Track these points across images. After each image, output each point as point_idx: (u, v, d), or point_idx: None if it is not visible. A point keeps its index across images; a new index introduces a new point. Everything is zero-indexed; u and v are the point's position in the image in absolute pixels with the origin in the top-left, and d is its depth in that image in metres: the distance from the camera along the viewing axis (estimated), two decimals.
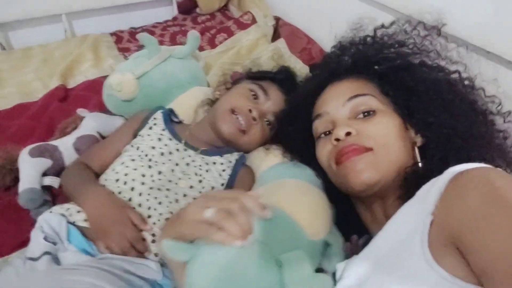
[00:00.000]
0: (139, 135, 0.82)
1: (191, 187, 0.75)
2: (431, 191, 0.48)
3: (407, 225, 0.49)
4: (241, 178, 0.82)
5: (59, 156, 0.85)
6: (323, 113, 0.70)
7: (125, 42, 1.36)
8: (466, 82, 0.72)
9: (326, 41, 1.37)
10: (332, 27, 1.38)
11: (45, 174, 0.82)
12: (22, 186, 0.77)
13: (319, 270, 0.66)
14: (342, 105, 0.67)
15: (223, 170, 0.81)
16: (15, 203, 0.76)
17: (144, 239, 0.67)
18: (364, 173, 0.61)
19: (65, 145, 0.87)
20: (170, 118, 0.87)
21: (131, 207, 0.69)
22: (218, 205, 0.49)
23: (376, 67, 0.72)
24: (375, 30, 0.79)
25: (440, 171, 0.51)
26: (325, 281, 0.51)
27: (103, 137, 0.93)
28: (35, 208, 0.77)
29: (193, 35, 1.01)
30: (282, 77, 0.90)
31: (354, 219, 0.74)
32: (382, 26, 0.78)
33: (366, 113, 0.66)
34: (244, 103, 0.81)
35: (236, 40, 1.35)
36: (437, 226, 0.45)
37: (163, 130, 0.83)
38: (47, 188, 0.81)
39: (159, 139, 0.80)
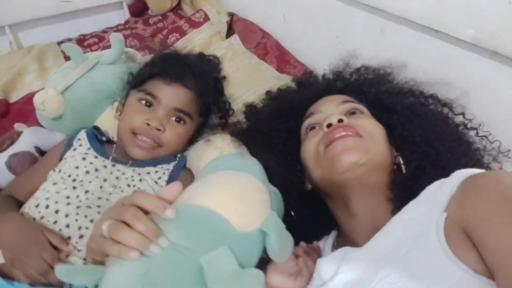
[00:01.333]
0: (65, 158, 0.77)
1: None
2: (441, 191, 0.51)
3: (416, 224, 0.51)
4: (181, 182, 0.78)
5: None
6: (317, 111, 0.75)
7: None
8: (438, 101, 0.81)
9: (281, 33, 1.34)
10: (286, 19, 1.36)
11: None
12: None
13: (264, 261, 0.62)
14: (336, 106, 0.74)
15: (159, 178, 0.77)
16: None
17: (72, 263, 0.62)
18: (353, 151, 0.64)
19: None
20: (95, 136, 0.81)
21: (47, 228, 0.64)
22: (114, 215, 0.46)
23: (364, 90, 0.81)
24: (359, 68, 0.89)
25: (417, 177, 0.59)
26: (253, 276, 0.49)
27: (42, 152, 0.89)
28: None
29: (115, 37, 0.93)
30: (159, 69, 0.80)
31: (318, 217, 0.76)
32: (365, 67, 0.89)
33: (358, 112, 0.72)
34: (138, 119, 0.75)
35: (188, 39, 1.31)
36: (451, 221, 0.47)
37: (88, 149, 0.77)
38: None
39: (83, 159, 0.75)
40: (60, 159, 0.78)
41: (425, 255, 0.47)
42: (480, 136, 0.78)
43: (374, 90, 0.81)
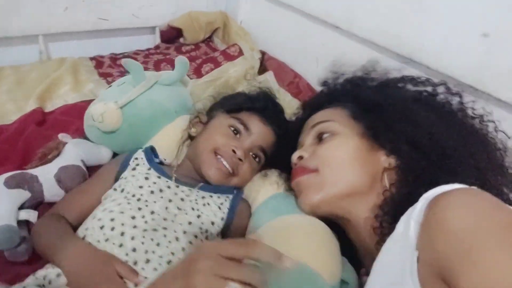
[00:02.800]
0: (122, 178, 0.74)
1: (189, 223, 0.69)
2: (410, 223, 0.45)
3: (394, 266, 0.46)
4: (240, 212, 0.77)
5: (39, 188, 0.76)
6: (298, 143, 0.76)
7: (106, 67, 1.29)
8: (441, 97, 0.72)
9: (313, 76, 1.38)
10: (319, 63, 1.40)
11: (21, 207, 0.73)
12: None
13: None
14: (308, 133, 0.73)
15: (221, 204, 0.76)
16: None
17: None
18: (305, 192, 0.63)
19: (46, 175, 0.78)
20: (153, 157, 0.81)
21: (118, 259, 0.60)
22: (239, 274, 0.39)
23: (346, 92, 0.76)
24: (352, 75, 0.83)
25: (414, 195, 0.49)
26: None
27: (87, 168, 0.85)
28: (11, 248, 0.66)
29: (182, 60, 0.95)
30: (261, 105, 0.83)
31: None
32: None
33: (327, 135, 0.68)
34: (226, 142, 0.76)
35: (223, 71, 1.32)
36: (424, 263, 0.42)
37: (149, 169, 0.76)
38: (23, 222, 0.71)
39: (146, 178, 0.73)
40: (116, 179, 0.75)
41: None
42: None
43: (358, 90, 0.75)
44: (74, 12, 1.26)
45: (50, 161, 0.82)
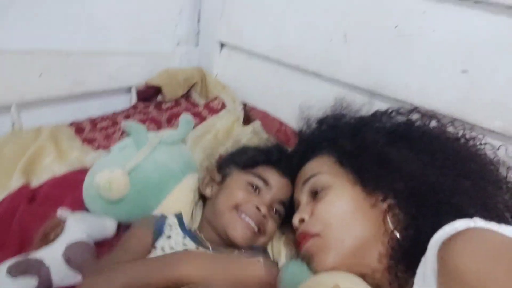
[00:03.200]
0: (157, 248, 0.70)
1: None
2: (427, 274, 0.45)
3: None
4: None
5: (46, 272, 0.68)
6: (295, 201, 0.75)
7: (88, 132, 1.22)
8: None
9: (297, 123, 1.40)
10: (301, 111, 1.44)
11: None
12: None
13: None
14: (301, 190, 0.72)
15: None
16: None
17: None
18: (316, 257, 0.61)
19: (52, 256, 0.70)
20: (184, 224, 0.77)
21: None
22: None
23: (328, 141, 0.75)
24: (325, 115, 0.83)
25: (419, 236, 0.50)
26: None
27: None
28: None
29: (186, 119, 0.94)
30: (276, 158, 0.82)
31: None
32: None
33: (321, 190, 0.67)
34: (248, 199, 0.74)
35: (210, 125, 1.31)
36: None
37: (184, 238, 0.72)
38: None
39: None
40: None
41: None
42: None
43: (336, 133, 0.75)
44: (49, 78, 1.20)
45: (52, 241, 0.74)
